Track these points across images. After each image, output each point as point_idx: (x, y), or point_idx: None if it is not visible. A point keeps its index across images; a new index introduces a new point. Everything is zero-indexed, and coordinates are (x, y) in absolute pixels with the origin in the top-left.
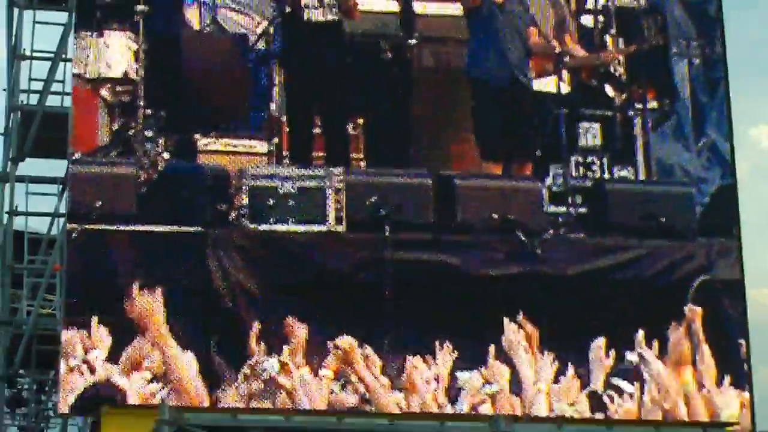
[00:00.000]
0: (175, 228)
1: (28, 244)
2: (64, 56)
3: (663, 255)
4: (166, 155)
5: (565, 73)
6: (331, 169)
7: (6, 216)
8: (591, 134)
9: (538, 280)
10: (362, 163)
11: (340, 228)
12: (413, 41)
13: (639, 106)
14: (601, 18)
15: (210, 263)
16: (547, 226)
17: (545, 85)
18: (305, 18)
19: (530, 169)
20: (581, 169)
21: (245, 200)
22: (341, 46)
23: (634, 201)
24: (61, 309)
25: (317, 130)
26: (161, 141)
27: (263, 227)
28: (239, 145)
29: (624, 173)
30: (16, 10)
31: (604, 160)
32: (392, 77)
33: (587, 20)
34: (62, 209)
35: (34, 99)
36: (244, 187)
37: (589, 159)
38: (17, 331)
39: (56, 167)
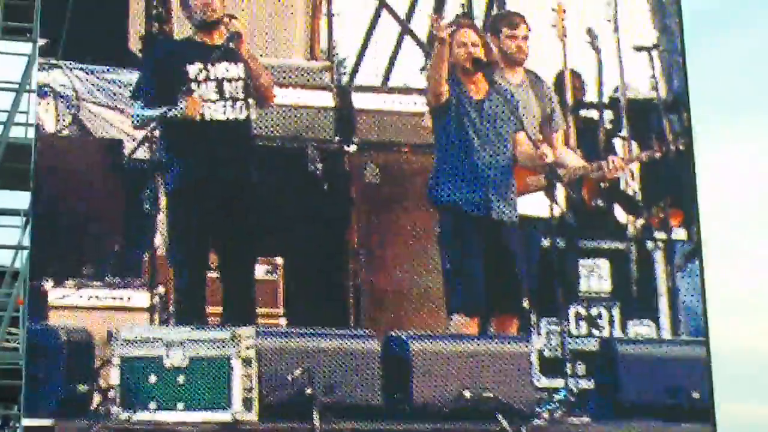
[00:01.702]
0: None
1: None
2: (28, 87)
3: None
4: None
5: (559, 190)
6: (237, 329)
7: None
8: (596, 275)
9: None
10: (281, 321)
11: (251, 416)
12: (353, 148)
13: (661, 235)
14: (608, 115)
15: None
16: (539, 406)
17: (534, 207)
18: (201, 116)
19: (515, 326)
20: (584, 325)
21: (115, 378)
22: (251, 155)
23: (658, 369)
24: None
25: (217, 274)
26: None
27: (141, 416)
28: (108, 297)
29: (643, 329)
30: None
31: (615, 312)
32: (323, 198)
33: (588, 118)
34: (26, 242)
35: None
36: (114, 359)
37: (595, 310)
38: None
39: (20, 199)
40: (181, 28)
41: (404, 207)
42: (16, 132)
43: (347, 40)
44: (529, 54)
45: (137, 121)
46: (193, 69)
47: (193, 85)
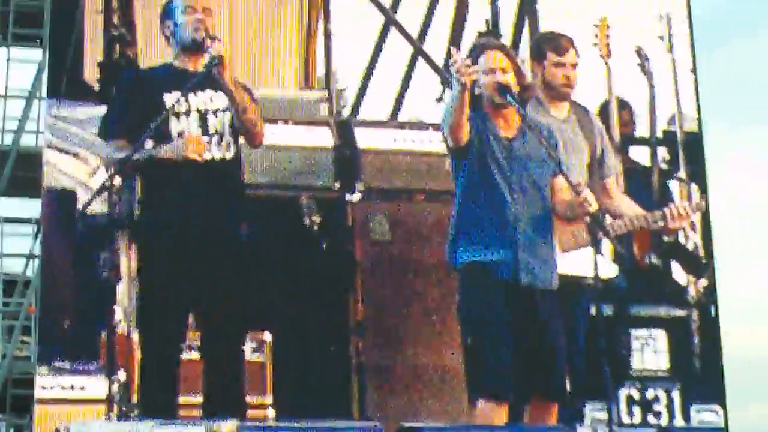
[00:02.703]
0: None
1: (3, 286)
2: (38, 95)
3: None
4: None
5: (606, 246)
6: (214, 423)
7: None
8: (652, 349)
9: None
10: (269, 412)
11: None
12: (356, 196)
13: None
14: (663, 154)
15: None
16: None
17: (576, 266)
18: (176, 157)
19: (554, 415)
20: (637, 412)
21: None
22: (241, 204)
23: None
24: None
25: (191, 355)
26: None
27: None
28: (56, 386)
29: (709, 416)
30: None
31: (675, 395)
32: (320, 259)
33: (640, 156)
34: (37, 250)
35: (8, 138)
36: None
37: (651, 393)
38: None
39: (31, 207)
40: (148, 53)
41: (419, 269)
42: (26, 140)
43: (348, 65)
44: (576, 85)
45: (111, 163)
46: (171, 98)
47: (171, 119)
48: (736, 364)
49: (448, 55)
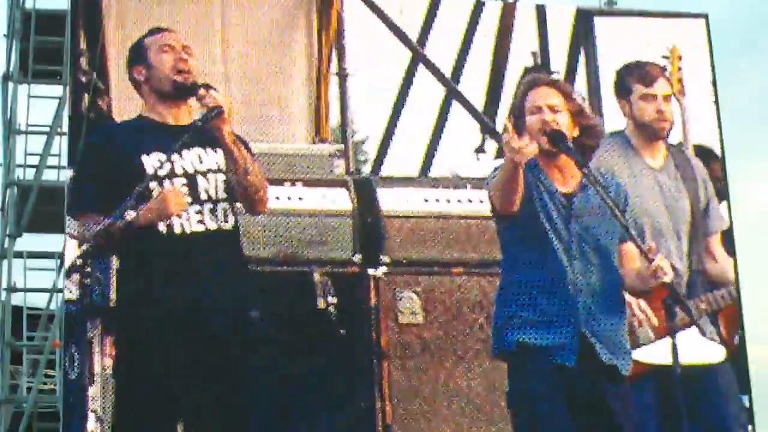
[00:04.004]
0: None
1: (27, 320)
2: (59, 130)
3: None
4: None
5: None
6: None
7: (4, 293)
8: None
9: None
10: None
11: None
12: (381, 271)
13: None
14: None
15: None
16: None
17: (655, 353)
18: (167, 229)
19: None
20: None
21: None
22: (236, 287)
23: None
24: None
25: None
26: None
27: None
28: None
29: None
30: (10, 85)
31: None
32: (338, 349)
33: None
34: (60, 284)
35: (30, 174)
36: None
37: None
38: (17, 408)
39: (54, 242)
40: (124, 104)
41: (459, 357)
42: (48, 175)
43: (368, 111)
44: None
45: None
46: (151, 161)
47: (153, 185)
48: None
49: (488, 102)
